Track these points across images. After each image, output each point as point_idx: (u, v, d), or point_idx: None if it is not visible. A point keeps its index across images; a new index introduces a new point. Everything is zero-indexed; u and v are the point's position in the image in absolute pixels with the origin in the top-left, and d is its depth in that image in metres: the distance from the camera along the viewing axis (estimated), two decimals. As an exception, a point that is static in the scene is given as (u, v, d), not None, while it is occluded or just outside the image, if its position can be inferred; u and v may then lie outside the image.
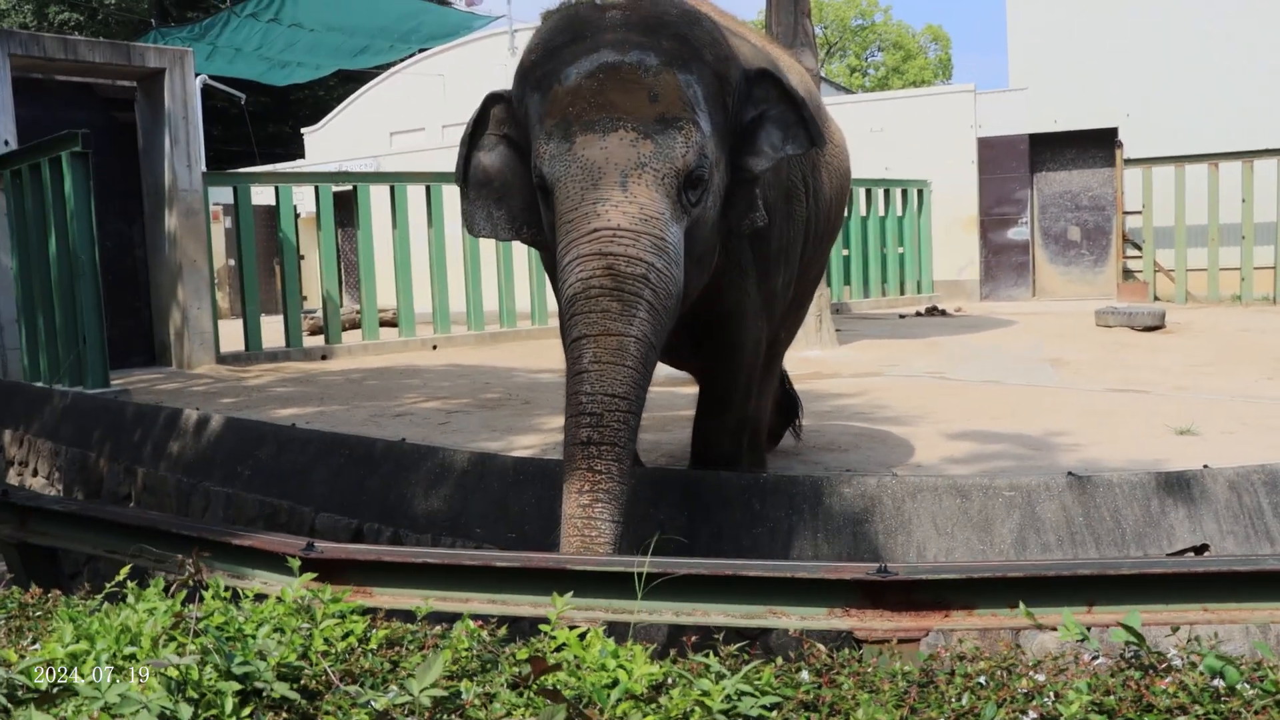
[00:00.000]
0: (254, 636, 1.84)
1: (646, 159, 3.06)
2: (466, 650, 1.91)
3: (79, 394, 7.66)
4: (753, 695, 1.68)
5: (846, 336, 11.01)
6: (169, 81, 10.11)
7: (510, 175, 3.57)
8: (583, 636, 1.91)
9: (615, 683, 1.72)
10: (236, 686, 1.63)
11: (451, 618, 2.34)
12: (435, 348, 11.54)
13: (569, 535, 2.88)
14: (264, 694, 1.65)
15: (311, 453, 5.38)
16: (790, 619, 2.62)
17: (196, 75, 14.64)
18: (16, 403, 8.32)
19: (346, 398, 7.84)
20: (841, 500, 3.97)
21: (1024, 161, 16.51)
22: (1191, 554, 3.72)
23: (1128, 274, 15.50)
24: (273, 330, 11.19)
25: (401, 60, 21.57)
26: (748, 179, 3.50)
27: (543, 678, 1.66)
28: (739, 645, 1.92)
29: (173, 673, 1.62)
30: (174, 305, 10.22)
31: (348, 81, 27.88)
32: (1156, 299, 14.53)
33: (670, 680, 1.77)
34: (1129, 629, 1.70)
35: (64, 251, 8.08)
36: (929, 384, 7.81)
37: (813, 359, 9.35)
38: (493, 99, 3.60)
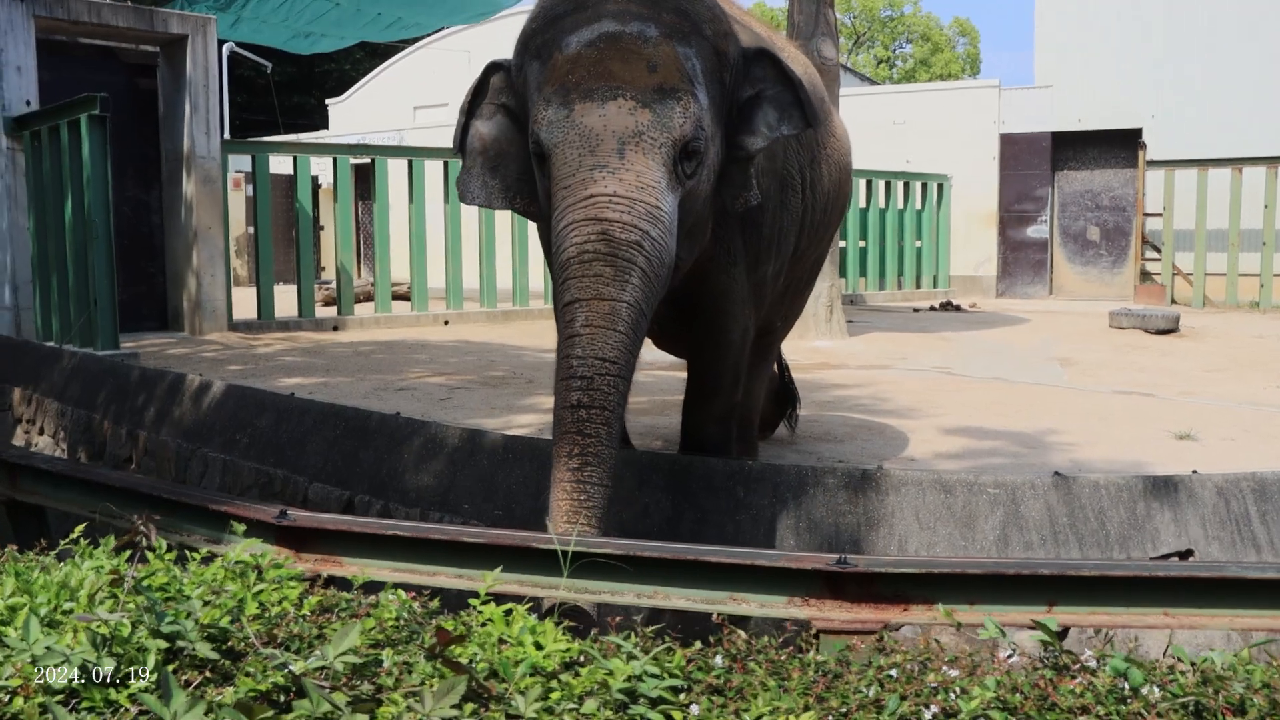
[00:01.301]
0: (191, 597, 1.86)
1: (644, 128, 3.07)
2: (394, 620, 1.94)
3: (86, 355, 7.67)
4: (658, 677, 1.69)
5: (858, 328, 11.00)
6: (191, 49, 10.13)
7: (506, 144, 3.60)
8: (508, 613, 1.92)
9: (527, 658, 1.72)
10: (163, 645, 1.65)
11: (428, 591, 2.35)
12: (447, 323, 11.58)
13: (559, 499, 2.87)
14: (186, 653, 1.68)
15: (308, 423, 5.40)
16: (750, 606, 2.62)
17: (223, 43, 14.68)
18: (26, 361, 8.35)
19: (353, 369, 7.87)
20: (825, 491, 3.96)
21: (1046, 159, 16.44)
22: (1175, 559, 3.70)
23: (1146, 276, 15.42)
24: (287, 299, 11.24)
25: (427, 35, 21.56)
26: (742, 157, 3.51)
27: (450, 649, 1.68)
28: (655, 628, 1.93)
29: (102, 629, 1.64)
30: (188, 271, 10.27)
31: (373, 55, 27.94)
32: (1174, 302, 14.46)
33: (583, 658, 1.78)
34: (1043, 628, 1.71)
35: (79, 214, 8.12)
36: (935, 379, 7.78)
37: (821, 349, 9.36)
38: (492, 68, 3.62)
